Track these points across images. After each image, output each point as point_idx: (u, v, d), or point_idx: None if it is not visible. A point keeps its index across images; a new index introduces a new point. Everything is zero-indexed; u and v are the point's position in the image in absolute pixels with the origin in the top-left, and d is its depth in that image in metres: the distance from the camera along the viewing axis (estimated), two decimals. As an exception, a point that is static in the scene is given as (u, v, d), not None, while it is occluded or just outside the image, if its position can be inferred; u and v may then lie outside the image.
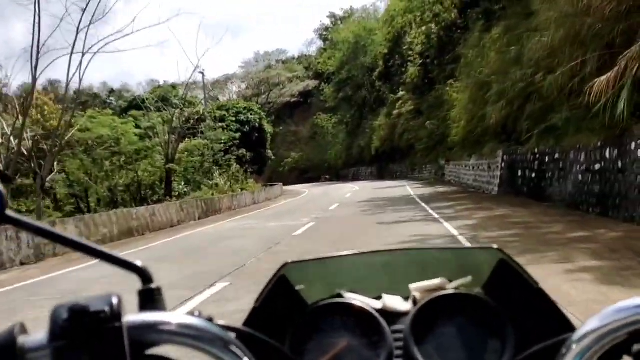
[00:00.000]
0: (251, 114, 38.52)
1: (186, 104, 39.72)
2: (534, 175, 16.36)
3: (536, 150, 16.06)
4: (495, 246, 0.95)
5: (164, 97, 36.95)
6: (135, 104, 38.27)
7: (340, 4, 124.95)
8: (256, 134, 38.36)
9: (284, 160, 75.69)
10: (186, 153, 30.49)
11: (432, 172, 37.83)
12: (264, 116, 41.75)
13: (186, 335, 0.60)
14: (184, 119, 31.64)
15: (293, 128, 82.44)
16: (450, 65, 28.69)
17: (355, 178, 57.28)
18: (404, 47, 44.70)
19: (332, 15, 79.54)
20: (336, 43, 63.60)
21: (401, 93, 44.73)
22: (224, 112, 37.16)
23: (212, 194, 24.66)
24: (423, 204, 17.11)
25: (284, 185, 52.57)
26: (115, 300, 0.57)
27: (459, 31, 30.13)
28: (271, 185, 42.70)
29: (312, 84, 77.36)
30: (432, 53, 33.94)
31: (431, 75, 34.78)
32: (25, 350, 0.55)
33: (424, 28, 34.93)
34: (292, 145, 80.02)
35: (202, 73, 34.90)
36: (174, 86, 36.46)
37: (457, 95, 26.07)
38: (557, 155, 14.40)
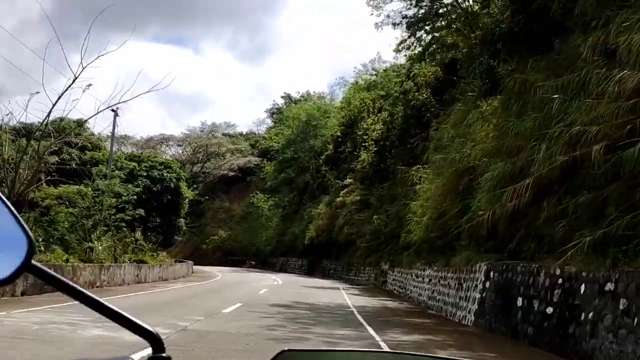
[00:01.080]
0: (168, 172, 31.50)
1: (93, 148, 32.76)
2: (550, 311, 10.25)
3: (557, 272, 10.11)
4: None
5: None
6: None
7: (298, 88, 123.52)
8: (169, 197, 31.13)
9: (210, 237, 68.57)
10: (61, 201, 23.15)
11: (371, 276, 31.73)
12: (184, 177, 34.76)
13: None
14: (73, 159, 24.63)
15: (227, 204, 76.51)
16: (418, 144, 23.54)
17: (283, 269, 50.46)
18: (359, 133, 40.25)
19: (287, 96, 75.14)
20: (286, 119, 58.78)
21: (349, 180, 39.45)
22: (134, 163, 30.09)
23: (67, 260, 17.09)
24: (371, 330, 10.49)
25: (204, 265, 47.46)
26: None
27: (428, 114, 25.40)
28: (180, 262, 35.79)
29: (254, 160, 71.51)
30: (394, 134, 28.92)
31: (389, 163, 29.63)
32: None
33: (388, 107, 30.24)
34: (223, 223, 73.58)
35: (115, 111, 28.04)
36: (79, 123, 29.33)
37: (422, 185, 20.51)
38: (609, 286, 8.45)
